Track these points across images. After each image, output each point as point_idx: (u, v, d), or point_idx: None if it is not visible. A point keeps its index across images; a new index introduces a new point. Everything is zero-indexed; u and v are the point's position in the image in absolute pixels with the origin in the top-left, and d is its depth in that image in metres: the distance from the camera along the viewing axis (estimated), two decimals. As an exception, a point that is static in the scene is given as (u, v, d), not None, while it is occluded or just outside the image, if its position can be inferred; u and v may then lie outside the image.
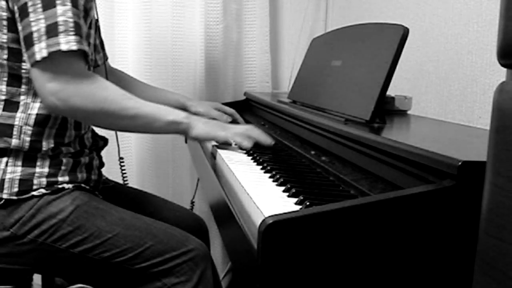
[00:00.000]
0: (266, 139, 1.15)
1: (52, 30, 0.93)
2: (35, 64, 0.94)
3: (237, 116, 1.51)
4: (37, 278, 1.30)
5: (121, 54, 1.86)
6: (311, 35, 1.98)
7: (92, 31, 1.11)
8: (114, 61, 1.83)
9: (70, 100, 0.96)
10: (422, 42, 1.40)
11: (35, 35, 0.93)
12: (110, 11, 1.82)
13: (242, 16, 1.92)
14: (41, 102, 1.02)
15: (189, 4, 1.83)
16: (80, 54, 0.97)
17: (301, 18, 2.04)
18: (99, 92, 1.00)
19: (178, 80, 1.86)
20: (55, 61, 0.94)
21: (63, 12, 0.94)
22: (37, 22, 0.93)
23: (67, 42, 0.94)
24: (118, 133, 1.81)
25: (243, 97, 1.87)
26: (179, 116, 1.09)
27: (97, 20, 1.20)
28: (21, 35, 0.96)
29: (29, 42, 0.94)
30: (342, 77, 1.16)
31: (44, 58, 0.93)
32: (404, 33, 1.00)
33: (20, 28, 0.96)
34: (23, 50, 0.97)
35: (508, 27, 0.47)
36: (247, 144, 1.12)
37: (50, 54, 0.93)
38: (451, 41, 1.28)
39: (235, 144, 1.19)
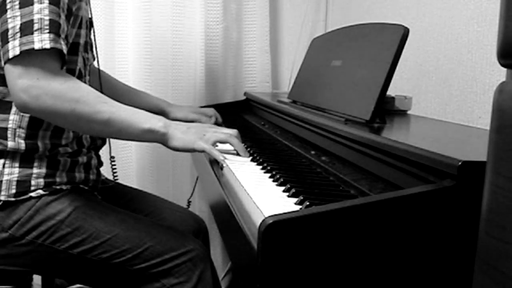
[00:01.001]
0: (243, 152, 1.10)
1: (26, 28, 0.92)
2: (8, 61, 0.92)
3: (217, 115, 1.50)
4: (37, 278, 1.30)
5: (121, 54, 1.86)
6: (311, 35, 1.98)
7: (83, 31, 1.10)
8: (114, 62, 1.83)
9: (40, 99, 0.93)
10: (422, 42, 1.40)
11: (10, 32, 0.92)
12: (110, 11, 1.82)
13: (242, 16, 1.92)
14: None
15: (189, 4, 1.83)
16: (54, 52, 0.94)
17: (301, 18, 2.04)
18: (71, 93, 0.95)
19: (178, 80, 1.85)
20: (27, 59, 0.92)
21: (39, 10, 0.93)
22: (14, 19, 0.92)
23: (40, 40, 0.92)
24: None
25: (243, 97, 1.87)
26: (156, 125, 1.01)
27: (90, 19, 1.19)
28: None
29: (4, 39, 0.93)
30: (342, 77, 1.16)
31: (16, 56, 0.91)
32: (404, 33, 1.00)
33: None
34: (0, 46, 0.95)
35: (508, 27, 0.47)
36: (222, 161, 1.04)
37: (23, 53, 0.91)
38: (451, 41, 1.28)
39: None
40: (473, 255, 0.52)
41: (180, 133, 1.04)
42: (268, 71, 1.97)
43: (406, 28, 1.00)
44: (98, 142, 1.21)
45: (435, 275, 0.64)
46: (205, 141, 1.05)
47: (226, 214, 0.82)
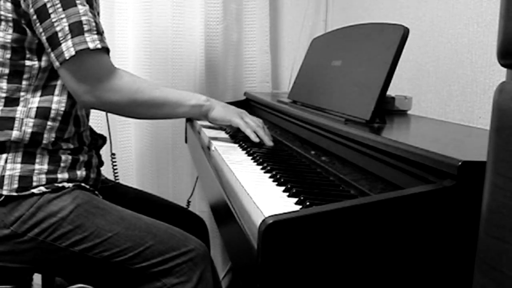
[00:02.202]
0: (269, 141, 1.20)
1: (76, 29, 0.96)
2: (64, 63, 0.97)
3: None
4: (37, 278, 1.30)
5: (121, 54, 1.86)
6: (311, 35, 1.98)
7: None
8: (115, 61, 1.82)
9: (105, 96, 1.02)
10: (422, 42, 1.40)
11: (60, 34, 0.96)
12: (110, 11, 1.82)
13: (242, 16, 1.92)
14: (40, 96, 1.03)
15: (189, 4, 1.83)
16: (105, 51, 1.02)
17: (301, 18, 2.04)
18: (129, 85, 1.05)
19: (178, 80, 1.86)
20: (84, 60, 0.98)
21: (85, 12, 0.97)
22: (60, 22, 0.96)
23: (92, 40, 0.98)
24: (118, 131, 1.81)
25: (243, 97, 1.87)
26: (200, 100, 1.17)
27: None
28: (43, 37, 0.98)
29: (55, 42, 0.96)
30: (342, 77, 1.16)
31: (72, 57, 0.96)
32: (404, 33, 1.00)
33: (40, 30, 0.98)
34: (48, 50, 0.99)
35: (508, 27, 0.47)
36: (255, 139, 1.18)
37: (78, 53, 0.96)
38: (451, 41, 1.28)
39: (228, 134, 1.27)
40: (473, 255, 0.52)
41: (220, 107, 1.21)
42: (268, 71, 1.97)
43: (406, 28, 1.00)
44: (99, 141, 1.21)
45: (435, 275, 0.64)
46: (241, 118, 1.20)
47: (226, 214, 0.82)
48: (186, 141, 1.79)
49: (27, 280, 1.12)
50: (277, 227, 0.59)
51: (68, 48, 0.95)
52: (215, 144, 1.19)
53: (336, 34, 1.34)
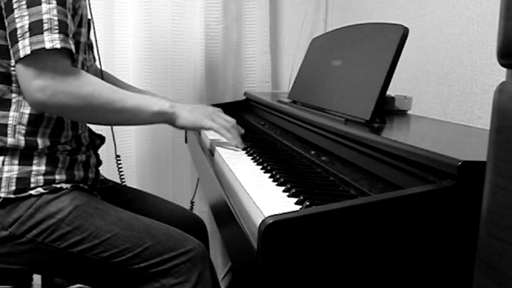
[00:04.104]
0: (241, 143, 1.17)
1: (36, 28, 0.93)
2: (19, 61, 0.94)
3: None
4: (37, 278, 1.30)
5: (121, 54, 1.86)
6: (311, 35, 1.98)
7: (84, 30, 1.11)
8: (114, 61, 1.83)
9: (56, 97, 0.96)
10: (422, 42, 1.40)
11: (19, 31, 0.93)
12: (110, 11, 1.82)
13: (242, 16, 1.92)
14: None
15: (189, 4, 1.83)
16: (64, 52, 0.97)
17: (301, 18, 2.04)
18: (85, 88, 0.99)
19: (178, 80, 1.86)
20: (40, 59, 0.94)
21: (48, 10, 0.94)
22: (22, 19, 0.93)
23: (51, 40, 0.94)
24: (118, 132, 1.81)
25: (243, 97, 1.87)
26: (164, 106, 1.09)
27: (89, 20, 1.20)
28: (7, 32, 0.96)
29: (14, 38, 0.94)
30: (342, 77, 1.16)
31: (27, 56, 0.93)
32: (404, 33, 1.00)
33: (6, 24, 0.96)
34: (9, 46, 0.97)
35: (508, 27, 0.47)
36: (232, 140, 1.16)
37: (34, 52, 0.93)
38: (451, 41, 1.28)
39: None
40: (473, 255, 0.52)
41: (186, 112, 1.11)
42: (268, 71, 1.97)
43: (406, 28, 1.00)
44: (96, 141, 1.21)
45: (435, 275, 0.64)
46: (212, 120, 1.13)
47: (226, 214, 0.82)
48: (186, 141, 1.79)
49: (27, 281, 1.12)
50: (277, 227, 0.59)
51: (24, 46, 0.93)
52: (215, 145, 1.19)
53: (336, 34, 1.34)
